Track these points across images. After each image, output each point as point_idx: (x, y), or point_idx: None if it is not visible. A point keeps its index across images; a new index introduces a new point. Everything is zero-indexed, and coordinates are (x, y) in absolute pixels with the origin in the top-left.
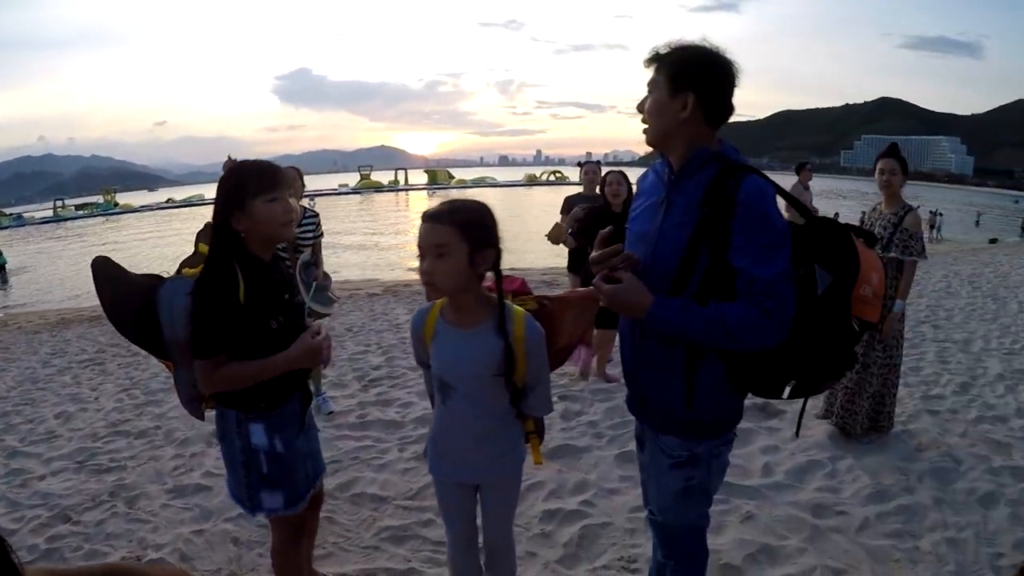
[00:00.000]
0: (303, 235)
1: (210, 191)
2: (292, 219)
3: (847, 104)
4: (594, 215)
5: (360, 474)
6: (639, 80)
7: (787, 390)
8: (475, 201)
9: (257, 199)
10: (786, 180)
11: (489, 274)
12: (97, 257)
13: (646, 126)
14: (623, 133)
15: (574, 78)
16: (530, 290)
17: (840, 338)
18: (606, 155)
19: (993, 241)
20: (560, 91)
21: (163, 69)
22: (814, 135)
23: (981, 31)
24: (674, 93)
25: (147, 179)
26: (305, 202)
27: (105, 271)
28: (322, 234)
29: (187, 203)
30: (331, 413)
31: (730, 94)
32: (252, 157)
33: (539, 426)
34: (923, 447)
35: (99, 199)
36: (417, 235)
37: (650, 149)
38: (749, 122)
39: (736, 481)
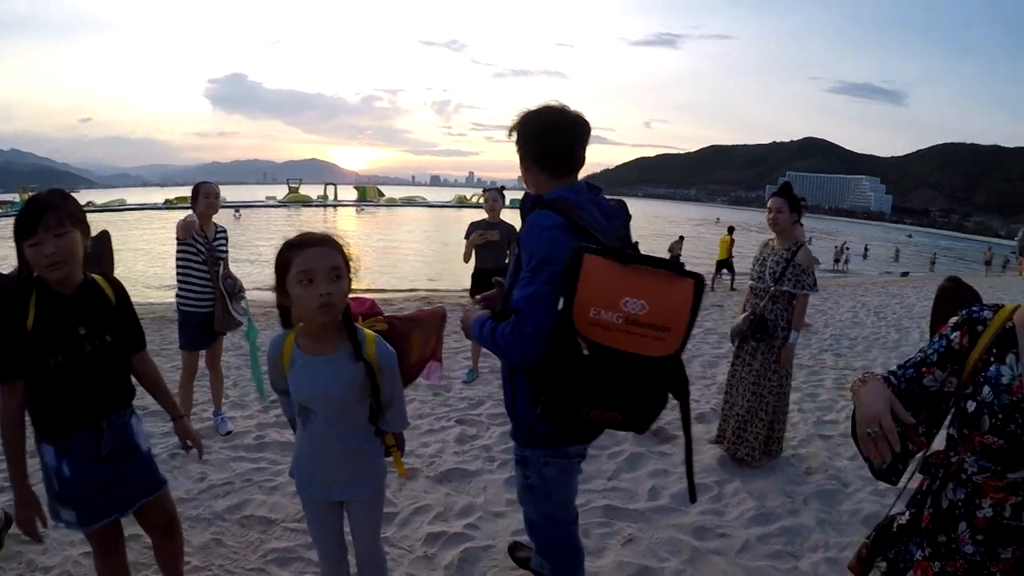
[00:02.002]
0: (219, 249)
1: (134, 196)
2: (52, 262)
3: (774, 142)
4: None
5: (251, 496)
6: (576, 107)
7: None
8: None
9: (23, 243)
10: (713, 211)
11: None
12: None
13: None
14: None
15: (511, 102)
16: (380, 311)
17: (566, 361)
18: None
19: (905, 274)
20: (497, 114)
21: (90, 63)
22: (741, 170)
23: (906, 80)
24: (519, 152)
25: (69, 179)
26: (230, 214)
27: None
28: (227, 250)
29: (107, 208)
30: (229, 433)
31: (556, 145)
32: (181, 164)
33: (399, 439)
34: (812, 471)
35: (16, 197)
36: (303, 261)
37: (580, 178)
38: (679, 155)
39: (621, 504)
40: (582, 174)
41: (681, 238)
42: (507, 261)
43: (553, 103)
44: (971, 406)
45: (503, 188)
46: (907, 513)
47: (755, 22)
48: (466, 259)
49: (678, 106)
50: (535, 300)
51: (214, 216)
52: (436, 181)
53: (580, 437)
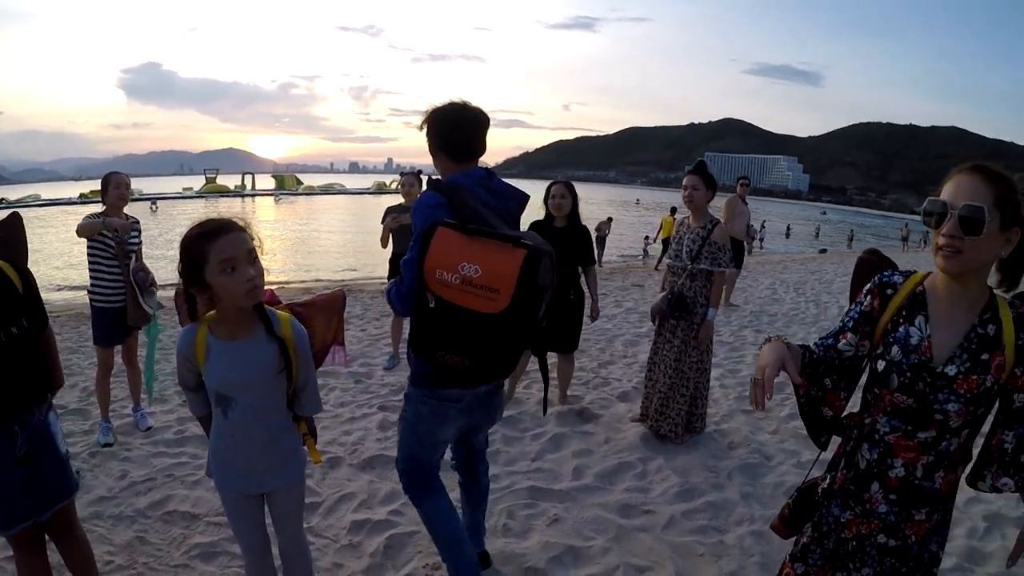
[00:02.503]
0: (130, 241)
1: (48, 190)
2: None
3: (692, 123)
4: (536, 230)
5: (173, 492)
6: (495, 92)
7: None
8: None
9: None
10: (632, 192)
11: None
12: None
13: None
14: None
15: (430, 87)
16: (279, 300)
17: (420, 311)
18: None
19: (823, 251)
20: (415, 99)
21: None
22: (660, 151)
23: (823, 62)
24: (428, 143)
25: None
26: (146, 207)
27: None
28: (141, 242)
29: (20, 203)
30: (149, 429)
31: (458, 136)
32: (96, 156)
33: (311, 426)
34: (734, 445)
35: None
36: (222, 249)
37: (500, 161)
38: (598, 137)
39: (545, 485)
40: (499, 158)
41: (609, 219)
42: None
43: (457, 100)
44: (881, 365)
45: (420, 173)
46: (828, 477)
47: (672, 5)
48: (383, 244)
49: (597, 89)
50: (410, 264)
51: (125, 207)
52: (355, 168)
53: (455, 382)
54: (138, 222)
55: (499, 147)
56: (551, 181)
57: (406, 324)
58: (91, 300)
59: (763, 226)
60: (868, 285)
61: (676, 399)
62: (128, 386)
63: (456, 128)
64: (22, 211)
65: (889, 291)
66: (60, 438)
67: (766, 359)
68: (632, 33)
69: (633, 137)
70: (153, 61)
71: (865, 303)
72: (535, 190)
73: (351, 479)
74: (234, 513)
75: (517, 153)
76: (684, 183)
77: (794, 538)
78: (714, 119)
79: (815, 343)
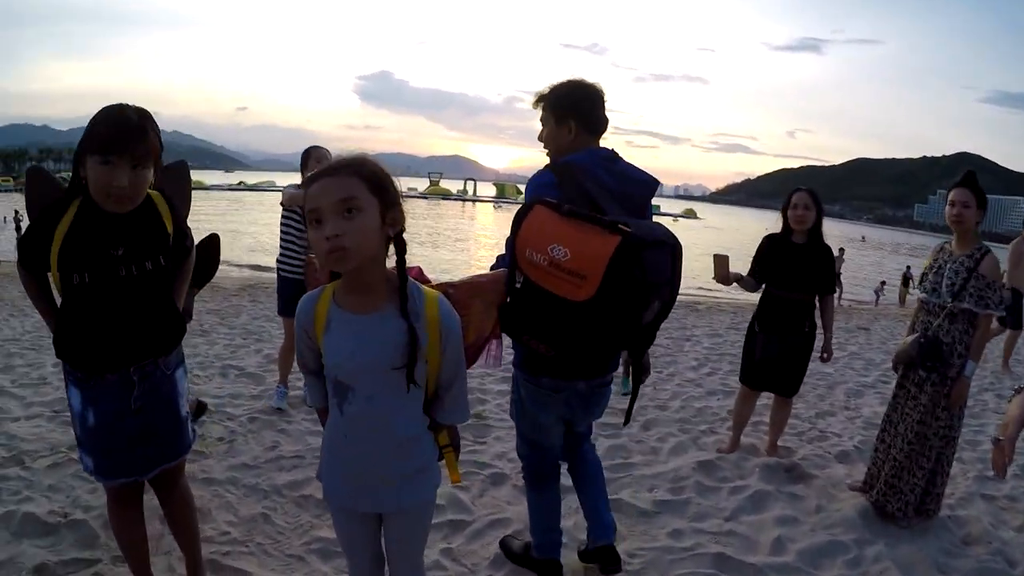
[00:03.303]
0: None
1: (283, 178)
2: (123, 195)
3: (924, 156)
4: (770, 245)
5: (315, 474)
6: (717, 115)
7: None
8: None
9: (91, 157)
10: (857, 229)
11: None
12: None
13: (547, 150)
14: (696, 167)
15: (651, 107)
16: (428, 279)
17: (512, 293)
18: (676, 188)
19: None
20: (636, 119)
21: (247, 55)
22: (888, 185)
23: None
24: (559, 122)
25: (225, 160)
26: None
27: (39, 178)
28: None
29: (256, 187)
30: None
31: (582, 104)
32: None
33: (454, 437)
34: (971, 540)
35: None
36: (309, 199)
37: (721, 187)
38: (824, 167)
39: (736, 555)
40: (720, 183)
41: (841, 250)
42: None
43: (574, 77)
44: None
45: None
46: None
47: (902, 26)
48: None
49: (823, 115)
50: (509, 242)
51: None
52: None
53: (548, 371)
54: None
55: (720, 172)
56: (794, 188)
57: None
58: (278, 270)
59: None
60: None
61: (913, 471)
62: None
63: (582, 98)
64: (258, 195)
65: None
66: (184, 399)
67: (1009, 414)
68: (860, 55)
69: (860, 168)
70: (386, 70)
71: None
72: (755, 220)
73: (511, 502)
74: (342, 530)
75: (739, 179)
76: (951, 198)
77: None
78: (947, 152)
79: None
